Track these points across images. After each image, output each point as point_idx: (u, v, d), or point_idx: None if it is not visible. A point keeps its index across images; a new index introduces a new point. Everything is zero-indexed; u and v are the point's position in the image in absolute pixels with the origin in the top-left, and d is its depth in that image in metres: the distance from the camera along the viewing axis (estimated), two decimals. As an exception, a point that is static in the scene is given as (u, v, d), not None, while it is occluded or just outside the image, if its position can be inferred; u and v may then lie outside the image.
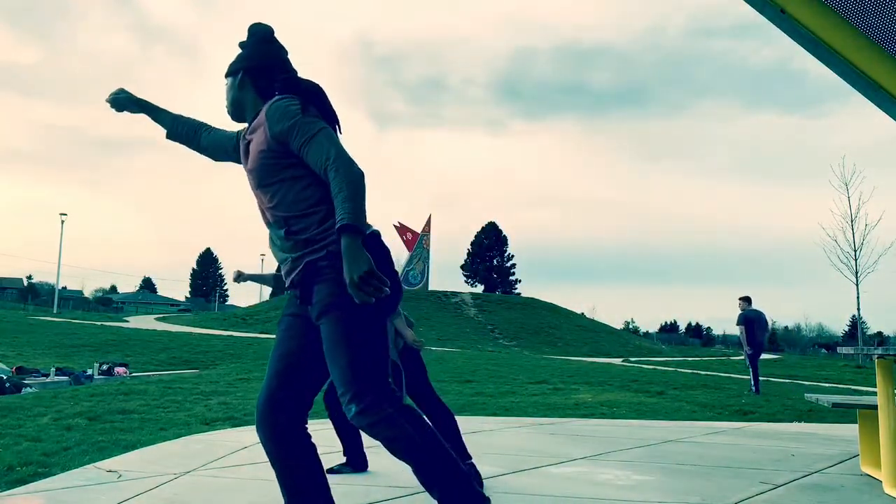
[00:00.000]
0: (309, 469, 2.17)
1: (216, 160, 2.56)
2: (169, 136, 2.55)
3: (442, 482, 1.95)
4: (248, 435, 5.18)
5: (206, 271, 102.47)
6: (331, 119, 2.21)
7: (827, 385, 15.11)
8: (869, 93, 3.63)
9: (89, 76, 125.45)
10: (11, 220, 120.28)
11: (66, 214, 46.62)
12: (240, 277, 4.32)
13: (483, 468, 3.85)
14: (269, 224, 2.21)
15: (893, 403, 3.59)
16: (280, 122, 2.09)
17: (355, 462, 3.84)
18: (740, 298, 11.52)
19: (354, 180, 1.99)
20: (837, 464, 4.52)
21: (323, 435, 5.28)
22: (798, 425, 7.14)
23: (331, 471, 3.76)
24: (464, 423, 6.24)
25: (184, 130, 2.51)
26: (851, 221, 25.78)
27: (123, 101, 2.54)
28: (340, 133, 2.23)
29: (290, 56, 2.34)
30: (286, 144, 2.10)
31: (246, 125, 2.33)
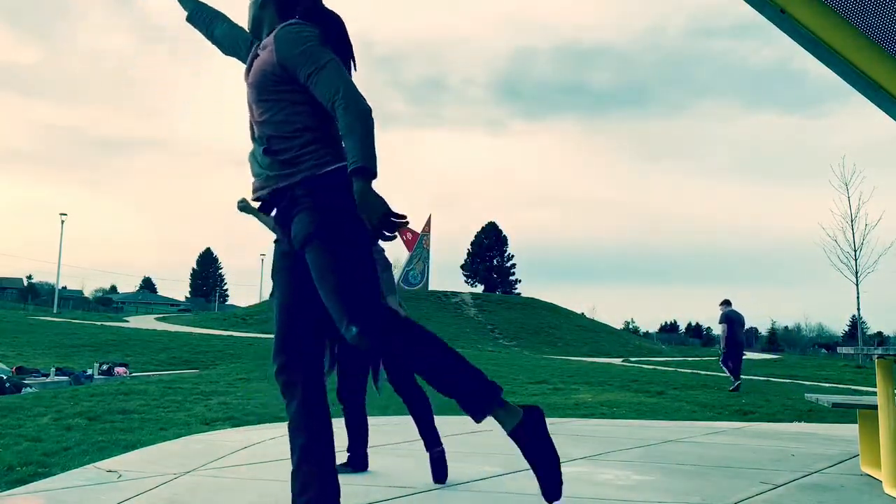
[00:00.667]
0: (320, 413, 2.20)
1: (225, 53, 2.54)
2: (188, 19, 2.56)
3: (458, 381, 2.00)
4: (249, 435, 5.18)
5: (206, 271, 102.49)
6: (346, 54, 2.19)
7: (827, 385, 15.11)
8: (869, 93, 3.63)
9: (89, 76, 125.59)
10: (11, 220, 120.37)
11: (66, 214, 46.72)
12: (246, 208, 4.12)
13: (483, 468, 3.85)
14: (253, 138, 2.20)
15: (893, 403, 3.59)
16: (289, 47, 2.05)
17: (355, 462, 3.84)
18: (721, 302, 12.81)
19: (364, 118, 1.97)
20: (837, 464, 4.52)
21: (323, 435, 5.28)
22: (798, 425, 7.14)
23: None
24: (464, 422, 6.24)
25: (203, 16, 2.52)
26: (851, 221, 25.83)
27: None
28: (355, 70, 2.21)
29: None
30: (292, 71, 2.06)
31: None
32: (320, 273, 2.00)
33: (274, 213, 2.19)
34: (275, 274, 2.22)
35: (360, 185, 1.92)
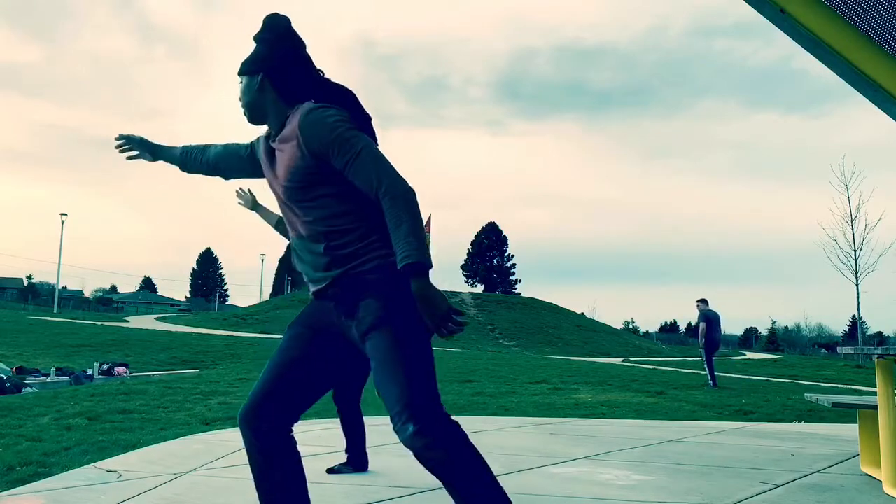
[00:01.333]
0: (285, 473, 2.03)
1: (227, 178, 2.42)
2: (183, 170, 2.44)
3: (488, 499, 1.86)
4: (248, 435, 5.17)
5: (206, 271, 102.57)
6: (365, 124, 2.07)
7: (827, 385, 15.11)
8: (869, 93, 3.63)
9: (90, 76, 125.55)
10: (11, 220, 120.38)
11: (66, 214, 46.72)
12: (256, 207, 4.02)
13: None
14: (301, 237, 2.04)
15: (893, 403, 3.59)
16: (319, 137, 1.92)
17: (356, 462, 3.84)
18: (698, 300, 13.07)
19: (410, 207, 1.88)
20: (837, 464, 4.52)
21: (322, 435, 5.28)
22: (798, 425, 7.14)
23: (331, 470, 3.76)
24: (464, 422, 6.23)
25: (193, 157, 2.40)
26: (851, 221, 25.84)
27: (137, 145, 2.44)
28: (376, 139, 2.10)
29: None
30: (326, 160, 1.95)
31: (266, 129, 2.14)
32: (386, 362, 1.88)
33: (314, 288, 2.05)
34: (298, 326, 2.08)
35: (419, 282, 1.85)
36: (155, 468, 3.77)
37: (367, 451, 3.91)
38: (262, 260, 76.02)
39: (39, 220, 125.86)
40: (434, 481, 3.57)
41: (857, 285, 25.58)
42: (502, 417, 7.20)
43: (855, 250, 25.69)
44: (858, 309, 26.65)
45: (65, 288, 72.91)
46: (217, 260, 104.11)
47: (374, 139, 2.09)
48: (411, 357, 1.87)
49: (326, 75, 2.11)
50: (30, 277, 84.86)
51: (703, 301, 12.99)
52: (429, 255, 1.88)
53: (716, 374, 12.92)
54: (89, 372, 13.75)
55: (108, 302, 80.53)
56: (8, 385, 10.11)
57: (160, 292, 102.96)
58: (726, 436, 5.97)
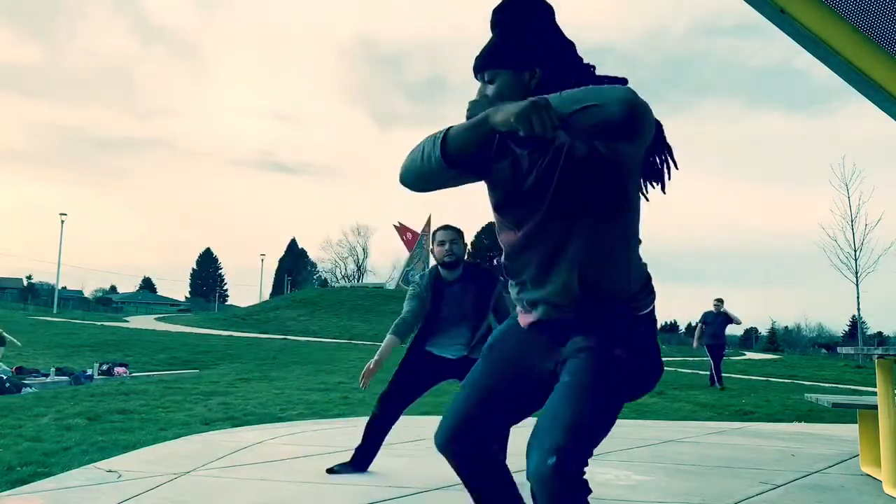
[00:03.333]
0: (496, 484, 1.82)
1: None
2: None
3: None
4: (248, 435, 5.18)
5: (206, 271, 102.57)
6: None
7: (827, 385, 15.11)
8: (869, 93, 3.64)
9: (90, 76, 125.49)
10: (11, 220, 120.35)
11: (66, 214, 46.77)
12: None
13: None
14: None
15: (893, 403, 3.59)
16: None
17: (361, 462, 3.82)
18: (715, 300, 12.90)
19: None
20: (837, 464, 4.52)
21: (322, 435, 5.28)
22: (798, 425, 7.14)
23: (331, 471, 3.76)
24: (464, 423, 6.23)
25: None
26: (851, 221, 25.76)
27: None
28: (671, 154, 1.69)
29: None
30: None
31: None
32: (576, 386, 1.58)
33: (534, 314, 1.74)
34: (499, 351, 1.80)
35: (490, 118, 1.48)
36: (155, 468, 3.77)
37: (358, 455, 3.89)
38: (262, 260, 76.03)
39: (39, 220, 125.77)
40: (434, 481, 3.58)
41: (857, 285, 25.55)
42: (502, 417, 7.19)
43: (855, 250, 25.64)
44: (858, 309, 26.63)
45: (65, 288, 72.89)
46: (217, 260, 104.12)
47: (668, 152, 1.67)
48: (603, 395, 1.58)
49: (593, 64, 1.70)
50: (30, 277, 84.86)
51: (719, 301, 12.74)
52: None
53: (717, 374, 12.84)
54: (89, 372, 13.74)
55: (108, 302, 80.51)
56: (8, 385, 10.10)
57: (160, 292, 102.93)
58: (726, 436, 5.97)
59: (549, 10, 1.66)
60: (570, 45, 1.67)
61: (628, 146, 1.50)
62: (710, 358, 12.80)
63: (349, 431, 5.52)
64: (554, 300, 1.66)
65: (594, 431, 1.56)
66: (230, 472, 3.77)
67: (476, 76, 1.68)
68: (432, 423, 4.55)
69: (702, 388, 12.07)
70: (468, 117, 1.58)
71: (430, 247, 4.01)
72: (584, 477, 1.54)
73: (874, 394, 3.89)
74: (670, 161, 1.66)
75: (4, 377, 10.55)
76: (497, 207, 1.73)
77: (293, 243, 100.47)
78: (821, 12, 3.51)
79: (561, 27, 1.67)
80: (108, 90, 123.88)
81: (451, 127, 1.57)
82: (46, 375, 12.83)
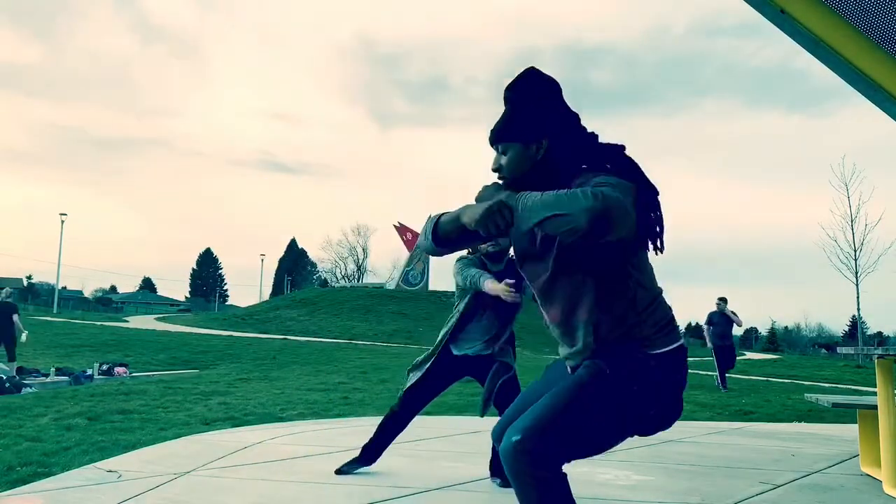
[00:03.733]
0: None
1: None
2: None
3: None
4: (248, 435, 5.18)
5: (206, 271, 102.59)
6: (649, 192, 1.80)
7: (827, 385, 15.11)
8: (869, 93, 3.64)
9: (90, 76, 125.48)
10: (11, 220, 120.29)
11: (66, 214, 46.69)
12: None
13: (483, 468, 3.84)
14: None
15: (893, 403, 3.59)
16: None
17: (369, 456, 3.81)
18: (718, 299, 12.53)
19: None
20: (837, 464, 4.52)
21: (322, 435, 5.28)
22: (798, 425, 7.14)
23: (339, 471, 3.74)
24: (464, 422, 6.24)
25: None
26: (851, 221, 25.78)
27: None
28: (659, 212, 1.82)
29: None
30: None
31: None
32: (561, 389, 1.78)
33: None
34: (552, 371, 2.07)
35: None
36: (155, 468, 3.77)
37: (367, 450, 3.89)
38: (262, 260, 75.93)
39: (39, 220, 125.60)
40: (434, 482, 3.59)
41: (857, 285, 25.56)
42: (502, 417, 7.20)
43: (855, 250, 25.66)
44: (858, 309, 26.65)
45: (65, 288, 72.94)
46: (217, 260, 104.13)
47: (657, 212, 1.81)
48: (577, 396, 1.74)
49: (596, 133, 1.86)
50: (30, 277, 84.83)
51: (720, 300, 12.37)
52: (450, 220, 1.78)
53: (716, 374, 12.81)
54: (89, 372, 13.74)
55: (108, 302, 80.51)
56: (8, 385, 10.11)
57: (160, 292, 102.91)
58: (726, 436, 5.97)
59: (555, 87, 1.83)
60: (575, 117, 1.84)
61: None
62: (714, 359, 12.44)
63: (349, 431, 5.52)
64: (577, 358, 1.88)
65: (562, 422, 1.71)
66: (230, 472, 3.77)
67: (491, 146, 1.88)
68: (433, 423, 4.55)
69: (702, 388, 12.07)
70: (478, 199, 1.83)
71: None
72: (558, 466, 1.72)
73: (874, 394, 3.89)
74: (662, 225, 1.82)
75: (4, 377, 10.55)
76: (517, 262, 1.98)
77: (293, 243, 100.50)
78: (821, 12, 3.51)
79: (567, 101, 1.85)
80: (109, 90, 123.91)
81: (442, 214, 1.84)
82: (46, 375, 12.84)
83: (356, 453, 3.86)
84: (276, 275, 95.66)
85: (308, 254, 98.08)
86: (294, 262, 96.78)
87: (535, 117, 1.79)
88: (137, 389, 8.91)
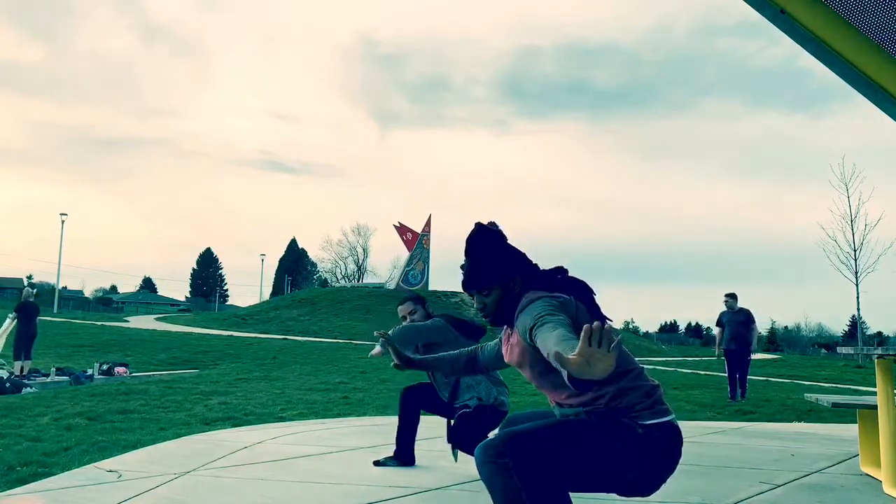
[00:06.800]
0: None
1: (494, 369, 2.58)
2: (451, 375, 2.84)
3: None
4: (248, 435, 5.18)
5: (206, 271, 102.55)
6: (585, 294, 2.17)
7: (827, 385, 15.11)
8: (869, 93, 3.63)
9: (91, 76, 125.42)
10: (11, 220, 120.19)
11: (66, 214, 46.66)
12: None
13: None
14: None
15: (893, 403, 3.59)
16: (523, 324, 2.06)
17: (405, 456, 3.97)
18: (726, 295, 10.64)
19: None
20: (837, 464, 4.52)
21: (322, 435, 5.28)
22: (798, 425, 7.14)
23: (377, 463, 3.94)
24: (464, 423, 6.23)
25: (462, 366, 2.55)
26: (851, 221, 25.75)
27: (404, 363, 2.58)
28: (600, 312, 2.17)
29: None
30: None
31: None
32: (550, 420, 2.07)
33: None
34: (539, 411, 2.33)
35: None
36: (155, 468, 3.77)
37: (368, 451, 3.92)
38: (262, 260, 75.85)
39: (39, 220, 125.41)
40: (434, 482, 3.59)
41: (856, 285, 25.54)
42: (502, 417, 7.20)
43: (855, 250, 25.63)
44: (858, 309, 26.63)
45: (65, 288, 72.88)
46: (217, 260, 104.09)
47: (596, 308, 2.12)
48: (558, 433, 1.93)
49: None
50: (30, 277, 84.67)
51: (729, 296, 10.32)
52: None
53: (717, 374, 12.65)
54: (89, 372, 13.73)
55: (108, 302, 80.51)
56: (8, 385, 10.10)
57: (160, 292, 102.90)
58: (726, 436, 5.97)
59: (499, 236, 2.23)
60: (524, 255, 2.24)
61: None
62: (727, 365, 10.17)
63: (349, 431, 5.52)
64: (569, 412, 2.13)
65: (535, 440, 1.90)
66: (230, 472, 3.77)
67: (469, 292, 2.27)
68: (433, 423, 4.55)
69: (702, 388, 12.06)
70: (395, 338, 2.40)
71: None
72: (528, 471, 1.85)
73: (874, 394, 3.89)
74: (606, 320, 2.07)
75: (4, 377, 10.55)
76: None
77: (293, 243, 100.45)
78: (821, 12, 3.51)
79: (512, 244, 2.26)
80: (109, 90, 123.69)
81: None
82: (46, 375, 12.82)
83: (356, 453, 3.89)
84: (276, 275, 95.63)
85: (308, 254, 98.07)
86: (294, 262, 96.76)
87: (491, 266, 2.18)
88: (137, 389, 8.91)
